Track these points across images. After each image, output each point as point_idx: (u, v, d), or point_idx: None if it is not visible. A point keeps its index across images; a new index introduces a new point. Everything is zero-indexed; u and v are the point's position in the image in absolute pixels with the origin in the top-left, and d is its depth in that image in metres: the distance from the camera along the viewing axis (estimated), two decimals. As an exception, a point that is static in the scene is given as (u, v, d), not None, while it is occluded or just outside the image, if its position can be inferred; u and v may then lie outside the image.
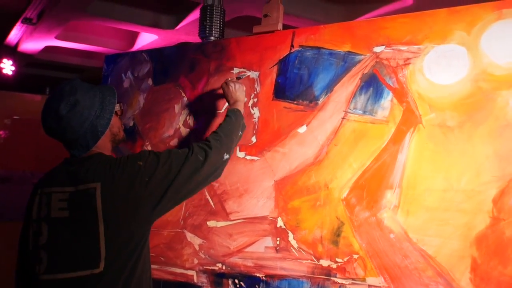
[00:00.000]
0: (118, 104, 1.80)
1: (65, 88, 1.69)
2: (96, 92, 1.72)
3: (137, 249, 1.65)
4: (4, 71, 5.15)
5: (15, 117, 4.91)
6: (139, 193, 1.64)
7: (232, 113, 2.06)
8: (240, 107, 2.13)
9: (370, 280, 1.93)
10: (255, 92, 2.32)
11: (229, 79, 2.28)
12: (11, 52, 5.08)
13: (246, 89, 2.30)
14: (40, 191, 1.70)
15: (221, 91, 2.30)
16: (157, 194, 1.66)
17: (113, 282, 1.60)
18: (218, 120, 2.39)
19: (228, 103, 2.19)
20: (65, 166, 1.73)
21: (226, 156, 1.87)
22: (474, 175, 1.80)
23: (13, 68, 5.18)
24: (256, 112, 2.30)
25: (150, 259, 1.78)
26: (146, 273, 1.73)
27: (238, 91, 2.18)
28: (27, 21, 4.07)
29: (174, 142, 2.52)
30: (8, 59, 5.15)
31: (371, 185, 1.98)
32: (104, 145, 1.77)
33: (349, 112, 2.07)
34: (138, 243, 1.66)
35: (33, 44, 4.86)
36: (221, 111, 2.40)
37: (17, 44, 4.96)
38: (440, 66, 1.91)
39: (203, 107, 2.47)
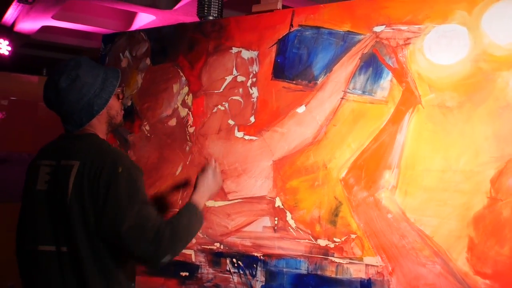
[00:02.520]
0: (119, 88, 1.79)
1: (70, 62, 1.70)
2: (99, 72, 1.72)
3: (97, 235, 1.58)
4: (1, 52, 5.10)
5: (12, 98, 4.88)
6: (95, 193, 1.57)
7: (187, 209, 1.75)
8: (201, 199, 1.82)
9: (368, 260, 1.94)
10: (254, 72, 2.31)
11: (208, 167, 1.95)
12: (8, 32, 5.03)
13: (245, 68, 2.29)
14: (33, 164, 1.74)
15: (220, 71, 2.29)
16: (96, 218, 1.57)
17: (74, 260, 1.58)
18: (217, 100, 2.38)
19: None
20: (57, 141, 1.76)
21: (164, 259, 1.58)
22: (473, 155, 1.80)
23: (9, 48, 5.13)
24: (254, 92, 2.29)
25: None
26: (120, 261, 1.65)
27: (211, 182, 1.90)
28: (23, 0, 4.02)
29: (172, 121, 2.51)
30: (4, 39, 5.10)
31: (370, 165, 1.98)
32: (98, 126, 1.75)
33: (348, 92, 2.06)
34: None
35: (30, 24, 4.81)
36: (220, 91, 2.39)
37: (13, 24, 4.91)
38: (440, 46, 1.90)
39: (201, 87, 2.45)
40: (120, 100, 1.83)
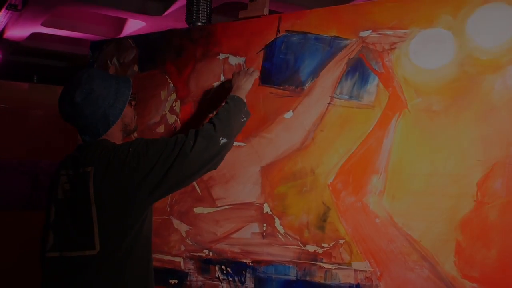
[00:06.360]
0: (131, 95, 1.85)
1: (83, 75, 1.76)
2: (111, 82, 1.78)
3: (131, 231, 1.70)
4: (-10, 59, 5.08)
5: (2, 105, 4.85)
6: (128, 178, 1.68)
7: (230, 99, 2.01)
8: (241, 94, 2.05)
9: (356, 265, 1.94)
10: (241, 78, 2.30)
11: (247, 69, 2.21)
12: (-3, 39, 5.00)
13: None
14: (54, 175, 1.82)
15: (207, 77, 2.30)
16: (150, 180, 1.68)
17: (108, 263, 1.67)
18: (204, 107, 2.38)
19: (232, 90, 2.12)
20: (75, 152, 1.82)
21: (223, 140, 1.82)
22: (459, 159, 1.80)
23: (-1, 56, 5.11)
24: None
25: (151, 242, 1.85)
26: (145, 256, 1.80)
27: (244, 79, 2.12)
28: (12, 7, 3.99)
29: (160, 128, 2.50)
30: (-7, 47, 5.08)
31: (357, 170, 1.98)
32: (114, 134, 1.82)
33: (335, 97, 2.06)
34: (133, 225, 1.71)
35: (19, 31, 4.78)
36: (207, 97, 2.38)
37: (2, 31, 4.88)
38: (426, 50, 1.90)
39: (189, 93, 2.45)
40: (132, 107, 1.89)
